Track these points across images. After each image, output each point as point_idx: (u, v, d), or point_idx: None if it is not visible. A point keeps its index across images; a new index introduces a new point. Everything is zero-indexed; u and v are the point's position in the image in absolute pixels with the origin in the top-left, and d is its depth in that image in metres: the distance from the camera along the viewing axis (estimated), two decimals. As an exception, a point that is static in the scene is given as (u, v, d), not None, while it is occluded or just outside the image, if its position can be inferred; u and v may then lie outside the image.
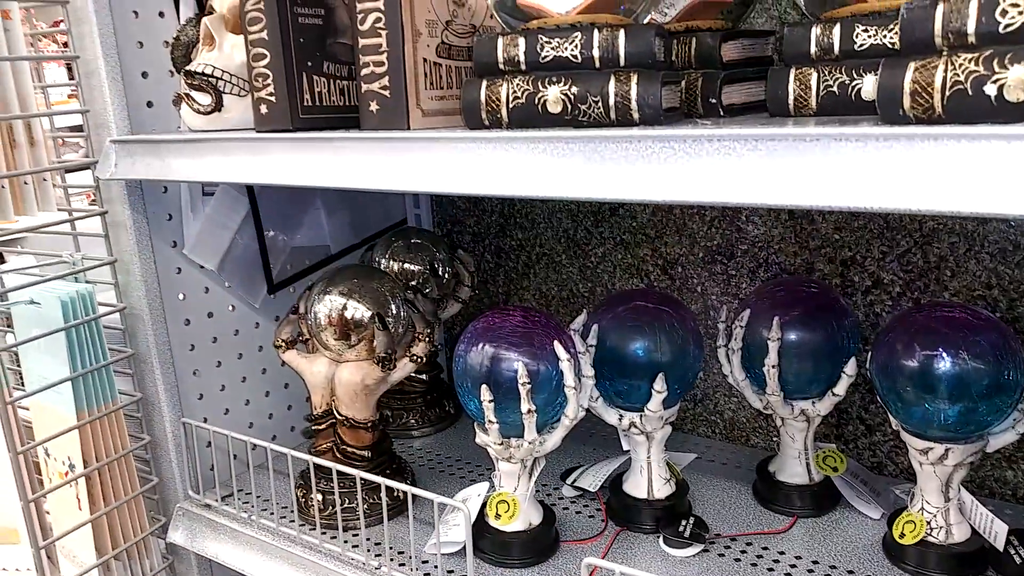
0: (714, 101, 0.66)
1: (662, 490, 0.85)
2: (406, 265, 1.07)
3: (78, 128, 0.89)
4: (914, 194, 0.39)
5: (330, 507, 0.88)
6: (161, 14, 0.89)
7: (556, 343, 0.75)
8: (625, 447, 0.86)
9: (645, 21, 0.63)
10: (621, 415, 0.83)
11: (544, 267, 1.17)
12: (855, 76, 0.56)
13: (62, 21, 0.85)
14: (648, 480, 0.85)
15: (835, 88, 0.58)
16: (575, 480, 0.93)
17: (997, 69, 0.39)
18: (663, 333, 0.81)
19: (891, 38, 0.54)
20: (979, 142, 0.37)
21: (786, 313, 0.82)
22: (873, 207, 0.41)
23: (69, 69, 1.00)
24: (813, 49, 0.58)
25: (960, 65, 0.40)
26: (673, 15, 0.70)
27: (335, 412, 0.89)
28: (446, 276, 1.09)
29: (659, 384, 0.79)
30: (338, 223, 1.13)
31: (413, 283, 1.06)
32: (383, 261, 1.08)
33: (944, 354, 0.69)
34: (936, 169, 0.39)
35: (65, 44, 0.85)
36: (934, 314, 0.72)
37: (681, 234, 1.03)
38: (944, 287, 0.87)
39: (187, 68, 0.79)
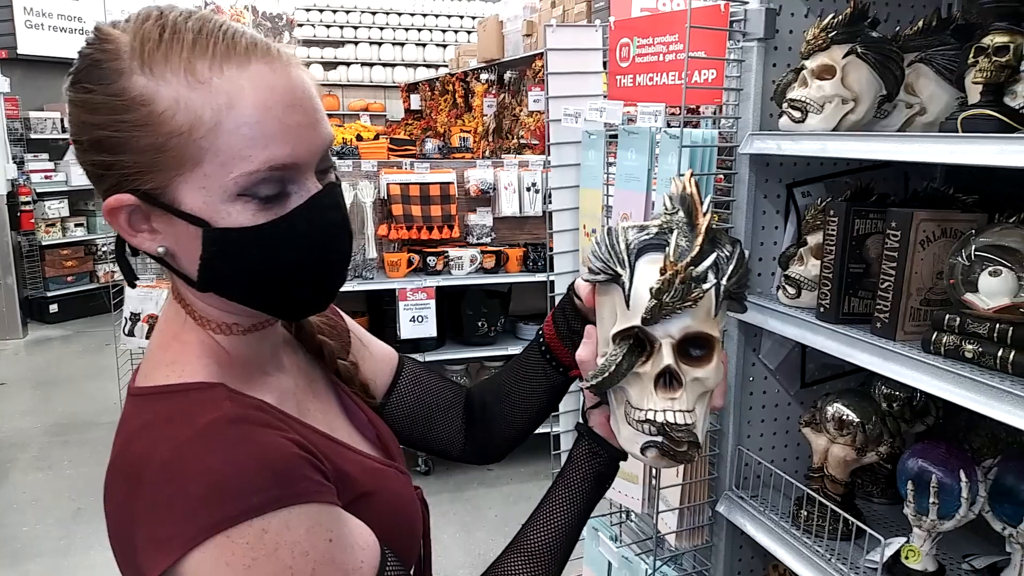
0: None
1: (1027, 585, 1.31)
2: (896, 392, 1.65)
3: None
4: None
5: (814, 521, 1.53)
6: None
7: (962, 471, 1.29)
8: (1007, 549, 1.34)
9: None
10: (1004, 526, 1.32)
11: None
12: None
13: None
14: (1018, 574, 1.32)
15: None
16: (971, 560, 1.43)
17: None
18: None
19: None
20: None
21: None
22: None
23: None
24: None
25: None
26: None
27: (825, 469, 1.54)
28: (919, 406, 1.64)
29: (1033, 516, 1.27)
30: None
31: (895, 404, 1.63)
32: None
33: None
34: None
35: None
36: None
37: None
38: None
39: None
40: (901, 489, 1.37)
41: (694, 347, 0.84)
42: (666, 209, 0.88)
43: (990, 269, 1.17)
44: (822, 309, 1.44)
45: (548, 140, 1.91)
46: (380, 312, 4.10)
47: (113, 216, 0.75)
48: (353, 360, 1.01)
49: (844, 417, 1.50)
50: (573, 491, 0.94)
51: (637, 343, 0.85)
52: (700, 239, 0.81)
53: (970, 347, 1.16)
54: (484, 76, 7.20)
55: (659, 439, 0.83)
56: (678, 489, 1.71)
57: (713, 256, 0.81)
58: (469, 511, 3.81)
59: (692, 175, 0.88)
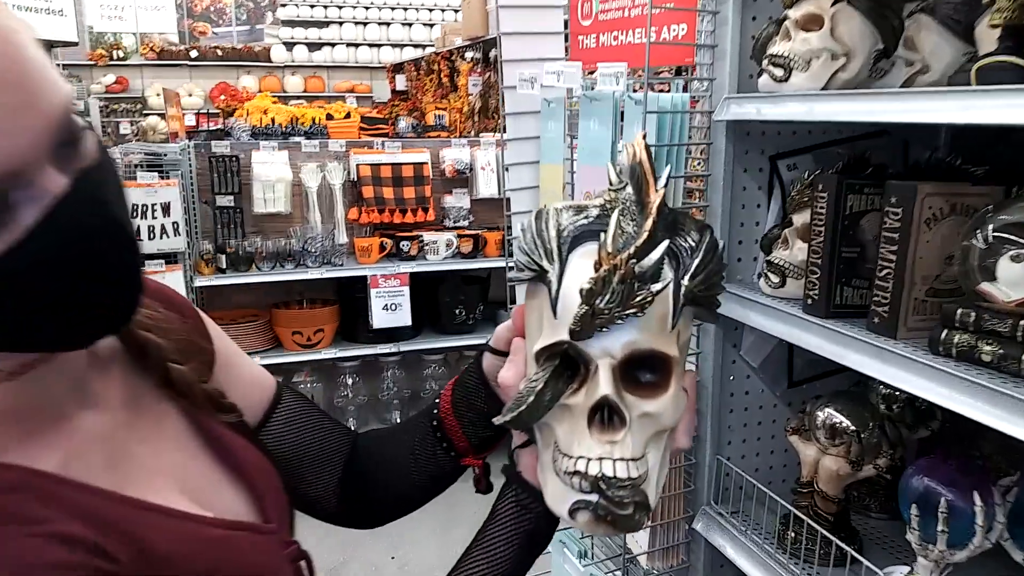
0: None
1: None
2: (896, 393, 1.45)
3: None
4: None
5: (802, 544, 1.33)
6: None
7: (976, 493, 1.08)
8: (1028, 580, 1.14)
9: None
10: (1025, 556, 1.12)
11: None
12: None
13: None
14: (1042, 611, 1.12)
15: None
16: (984, 591, 1.23)
17: None
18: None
19: None
20: None
21: None
22: None
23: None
24: None
25: None
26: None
27: (815, 484, 1.34)
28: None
29: (1060, 544, 1.06)
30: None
31: (895, 407, 1.43)
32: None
33: None
34: None
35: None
36: None
37: None
38: None
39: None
40: (904, 513, 1.17)
41: (643, 370, 0.64)
42: (611, 184, 0.68)
43: (1012, 253, 0.95)
44: (810, 301, 1.22)
45: (503, 110, 1.69)
46: (351, 301, 3.89)
47: None
48: (196, 367, 0.77)
49: (837, 424, 1.29)
50: (494, 557, 0.74)
51: (566, 363, 0.64)
52: (650, 222, 0.61)
53: (988, 348, 0.95)
54: (469, 54, 6.94)
55: (593, 498, 0.62)
56: (650, 504, 1.51)
57: (665, 244, 0.60)
58: (445, 510, 3.60)
59: (644, 137, 0.68)
